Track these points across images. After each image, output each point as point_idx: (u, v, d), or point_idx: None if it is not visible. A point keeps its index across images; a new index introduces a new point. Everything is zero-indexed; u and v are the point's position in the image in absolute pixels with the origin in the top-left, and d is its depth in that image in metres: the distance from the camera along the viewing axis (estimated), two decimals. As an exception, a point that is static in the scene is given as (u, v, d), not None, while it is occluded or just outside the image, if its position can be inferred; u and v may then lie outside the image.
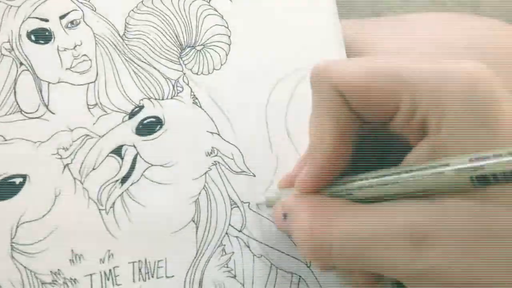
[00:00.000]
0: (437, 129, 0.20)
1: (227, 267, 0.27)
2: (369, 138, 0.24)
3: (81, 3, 0.31)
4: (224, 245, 0.27)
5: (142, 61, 0.30)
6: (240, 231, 0.28)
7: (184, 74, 0.30)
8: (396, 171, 0.21)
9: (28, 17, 0.30)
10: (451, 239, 0.19)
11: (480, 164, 0.18)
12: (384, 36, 0.34)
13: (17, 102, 0.28)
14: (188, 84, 0.30)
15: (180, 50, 0.30)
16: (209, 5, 0.31)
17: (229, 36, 0.31)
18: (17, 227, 0.26)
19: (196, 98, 0.29)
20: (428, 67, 0.20)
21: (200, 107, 0.29)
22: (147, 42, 0.30)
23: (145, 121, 0.29)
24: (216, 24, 0.31)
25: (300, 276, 0.27)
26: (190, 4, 0.31)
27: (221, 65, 0.30)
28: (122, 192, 0.27)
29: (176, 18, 0.31)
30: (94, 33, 0.30)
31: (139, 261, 0.27)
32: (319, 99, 0.22)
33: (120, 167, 0.28)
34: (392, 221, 0.20)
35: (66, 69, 0.29)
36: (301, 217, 0.23)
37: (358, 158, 0.23)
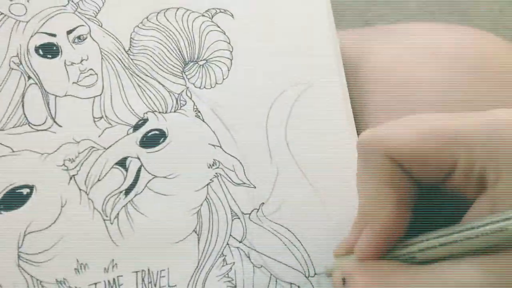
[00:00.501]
0: (495, 182, 0.20)
1: (228, 277, 0.28)
2: (425, 199, 0.24)
3: (88, 18, 0.31)
4: (225, 255, 0.28)
5: (147, 75, 0.31)
6: (241, 242, 0.28)
7: (187, 88, 0.31)
8: (458, 229, 0.20)
9: (36, 32, 0.31)
10: None
11: None
12: (379, 46, 0.35)
13: (25, 115, 0.29)
14: (191, 98, 0.31)
15: (183, 65, 0.31)
16: (212, 22, 0.32)
17: (231, 52, 0.32)
18: (24, 236, 0.27)
19: (199, 112, 0.30)
20: (477, 121, 0.20)
21: (203, 120, 0.30)
22: (152, 57, 0.31)
23: (149, 134, 0.29)
24: (218, 40, 0.32)
25: (299, 287, 0.28)
26: (194, 20, 0.32)
27: (223, 79, 0.31)
28: (126, 203, 0.28)
29: (180, 34, 0.32)
30: (100, 48, 0.31)
31: (142, 270, 0.27)
32: (371, 167, 0.22)
33: (125, 179, 0.28)
34: (452, 280, 0.19)
35: (73, 83, 0.30)
36: (358, 280, 0.22)
37: (416, 219, 0.23)
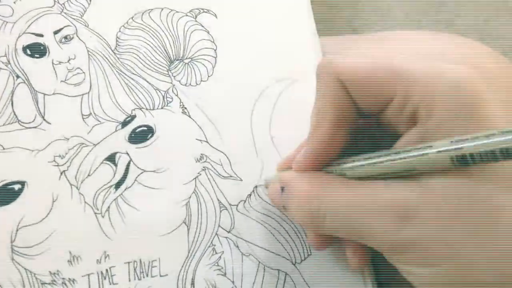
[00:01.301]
0: (426, 118, 0.22)
1: (218, 265, 0.29)
2: (363, 132, 0.26)
3: (74, 19, 0.32)
4: (214, 245, 0.29)
5: (133, 74, 0.31)
6: (229, 232, 0.29)
7: (173, 85, 0.32)
8: (385, 153, 0.23)
9: (24, 33, 0.31)
10: (433, 214, 0.21)
11: (460, 145, 0.20)
12: (364, 50, 0.36)
13: (14, 113, 0.29)
14: (177, 95, 0.31)
15: (169, 63, 0.32)
16: (196, 21, 0.33)
17: (215, 50, 0.33)
18: (17, 231, 0.27)
19: (185, 108, 0.31)
20: (422, 65, 0.23)
21: (189, 116, 0.31)
22: (138, 56, 0.32)
23: (137, 130, 0.30)
24: (202, 39, 0.33)
25: (286, 273, 0.29)
26: (178, 20, 0.33)
27: (208, 77, 0.32)
28: (117, 197, 0.29)
29: (165, 33, 0.33)
30: (87, 48, 0.32)
31: (134, 261, 0.28)
32: (322, 88, 0.25)
33: (114, 173, 0.29)
34: (381, 196, 0.22)
35: (61, 81, 0.31)
36: (299, 187, 0.25)
37: (352, 149, 0.25)
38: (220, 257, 0.29)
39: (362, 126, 0.26)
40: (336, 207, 0.23)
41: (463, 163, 0.20)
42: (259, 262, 0.29)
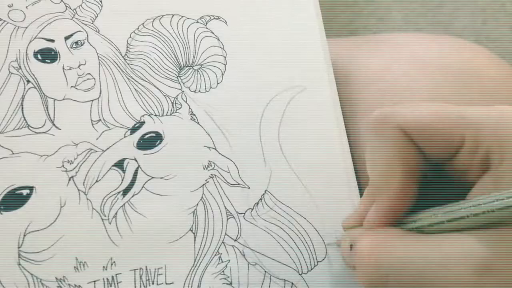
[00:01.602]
0: (500, 161, 0.21)
1: (224, 274, 0.28)
2: (432, 183, 0.25)
3: (85, 24, 0.32)
4: (221, 253, 0.29)
5: (143, 80, 0.32)
6: (235, 240, 0.29)
7: (183, 92, 0.32)
8: (465, 205, 0.21)
9: (35, 38, 0.31)
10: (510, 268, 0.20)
11: None
12: (368, 55, 0.36)
13: (24, 118, 0.30)
14: (186, 102, 0.31)
15: (178, 70, 0.32)
16: (206, 28, 0.33)
17: (225, 57, 0.33)
18: (24, 236, 0.27)
19: (194, 115, 0.31)
20: (488, 109, 0.22)
21: (198, 123, 0.31)
22: (148, 62, 0.32)
23: (145, 136, 0.30)
24: (212, 46, 0.33)
25: (292, 283, 0.29)
26: (188, 27, 0.33)
27: (218, 83, 0.32)
28: (124, 203, 0.29)
29: (175, 40, 0.33)
30: (97, 53, 0.32)
31: (140, 268, 0.28)
32: (383, 141, 0.24)
33: (122, 180, 0.29)
34: (455, 249, 0.20)
35: (71, 86, 0.31)
36: (364, 243, 0.23)
37: (422, 196, 0.24)
38: (226, 265, 0.29)
39: (430, 178, 0.25)
40: (402, 262, 0.21)
41: None
42: (265, 271, 0.29)
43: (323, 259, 0.29)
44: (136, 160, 0.30)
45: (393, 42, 0.37)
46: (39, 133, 0.30)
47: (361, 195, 0.31)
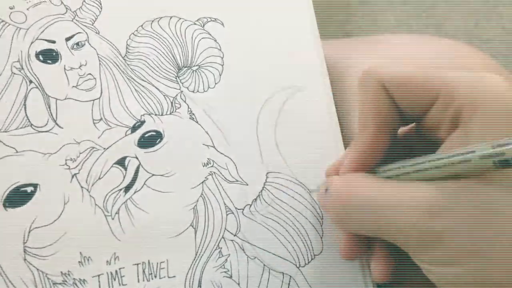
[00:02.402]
0: (469, 120, 0.23)
1: (224, 268, 0.29)
2: (404, 138, 0.28)
3: (86, 26, 0.33)
4: (221, 248, 0.30)
5: (143, 80, 0.32)
6: (235, 235, 0.30)
7: (182, 92, 0.32)
8: (429, 158, 0.23)
9: (37, 39, 0.32)
10: (461, 213, 0.22)
11: (501, 150, 0.21)
12: (363, 55, 0.37)
13: (27, 117, 0.30)
14: (185, 101, 0.32)
15: (177, 70, 0.33)
16: (203, 30, 0.34)
17: (222, 58, 0.34)
18: (29, 232, 0.28)
19: (193, 114, 0.32)
20: (467, 72, 0.24)
21: (197, 122, 0.32)
22: (147, 63, 0.33)
23: (146, 135, 0.31)
24: (210, 47, 0.34)
25: (290, 276, 0.30)
26: (186, 28, 0.34)
27: (215, 83, 0.33)
28: (126, 200, 0.29)
29: (174, 41, 0.34)
30: (98, 54, 0.32)
31: (142, 262, 0.29)
32: (365, 95, 0.26)
33: (124, 177, 0.30)
34: (411, 194, 0.23)
35: (73, 86, 0.31)
36: (333, 184, 0.26)
37: (394, 155, 0.26)
38: (226, 259, 0.29)
39: (404, 133, 0.27)
40: (365, 203, 0.24)
41: (505, 166, 0.21)
42: (264, 265, 0.29)
43: (320, 253, 0.30)
44: (137, 158, 0.30)
45: (386, 43, 0.38)
46: (42, 131, 0.30)
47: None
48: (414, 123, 0.28)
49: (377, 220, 0.24)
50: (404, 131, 0.28)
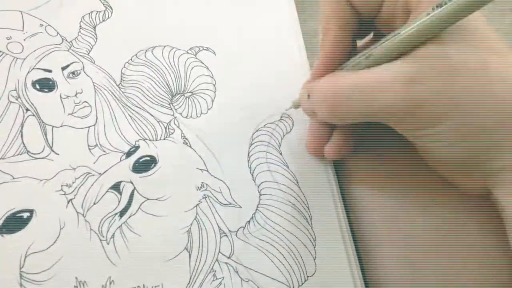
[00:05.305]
0: (417, 7, 0.25)
1: (218, 290, 0.30)
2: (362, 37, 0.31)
3: (81, 55, 0.34)
4: (215, 270, 0.30)
5: (137, 107, 0.33)
6: (229, 257, 0.30)
7: (175, 117, 0.33)
8: (389, 37, 0.26)
9: (33, 68, 0.33)
10: (433, 75, 0.24)
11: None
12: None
13: (24, 144, 0.31)
14: (179, 127, 0.33)
15: (171, 97, 0.34)
16: (196, 58, 0.35)
17: (214, 85, 0.35)
18: (25, 257, 0.28)
19: (186, 139, 0.33)
20: None
21: (190, 147, 0.33)
22: (141, 90, 0.34)
23: (140, 160, 0.32)
24: (202, 74, 0.35)
25: (284, 297, 0.30)
26: (179, 57, 0.35)
27: (208, 109, 0.34)
28: (121, 224, 0.30)
29: (167, 69, 0.35)
30: (93, 82, 0.33)
31: (138, 286, 0.29)
32: (326, 4, 0.29)
33: (119, 201, 0.30)
34: (386, 72, 0.25)
35: (69, 114, 0.32)
36: (318, 86, 0.29)
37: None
38: (220, 282, 0.30)
39: (363, 44, 0.31)
40: (350, 88, 0.26)
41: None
42: (258, 287, 0.30)
43: (313, 274, 0.30)
44: (132, 183, 0.31)
45: None
46: (38, 158, 0.31)
47: (347, 212, 0.33)
48: (372, 33, 0.31)
49: (366, 101, 0.26)
50: (364, 43, 0.31)
